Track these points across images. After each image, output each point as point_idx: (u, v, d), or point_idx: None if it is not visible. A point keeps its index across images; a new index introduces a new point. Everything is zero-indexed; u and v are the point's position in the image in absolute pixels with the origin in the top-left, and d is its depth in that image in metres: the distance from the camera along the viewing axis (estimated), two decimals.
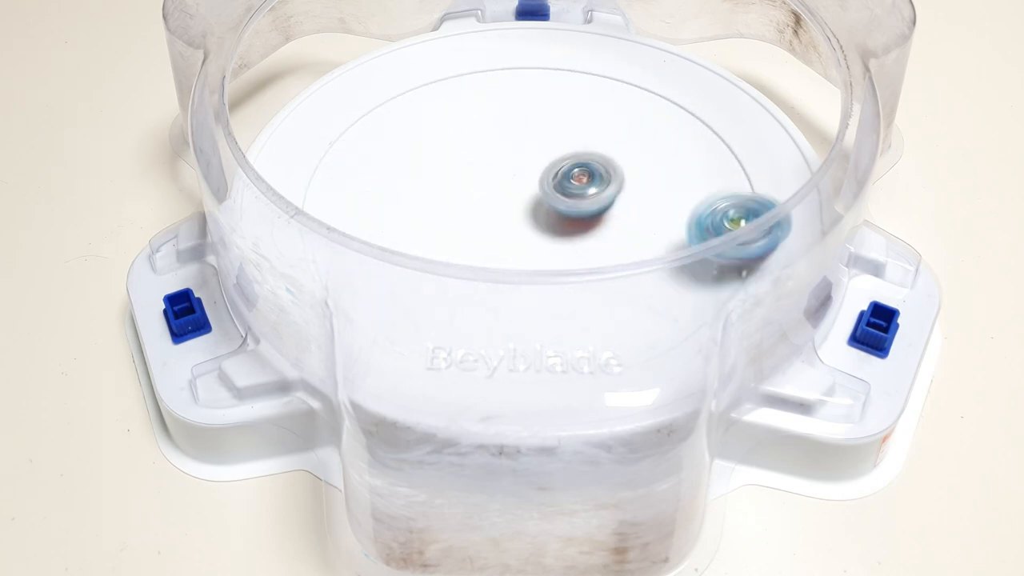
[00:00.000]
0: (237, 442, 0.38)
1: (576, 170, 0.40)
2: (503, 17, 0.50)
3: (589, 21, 0.49)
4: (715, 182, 0.42)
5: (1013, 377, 0.42)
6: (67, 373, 0.42)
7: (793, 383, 0.37)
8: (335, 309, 0.34)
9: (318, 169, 0.43)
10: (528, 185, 0.41)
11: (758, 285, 0.35)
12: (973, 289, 0.44)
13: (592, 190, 0.40)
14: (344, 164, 0.43)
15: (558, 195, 0.40)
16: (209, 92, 0.40)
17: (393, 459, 0.33)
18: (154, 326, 0.40)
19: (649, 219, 0.41)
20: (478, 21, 0.49)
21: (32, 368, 0.42)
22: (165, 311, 0.40)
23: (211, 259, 0.42)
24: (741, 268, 0.35)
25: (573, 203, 0.40)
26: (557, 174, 0.40)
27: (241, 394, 0.38)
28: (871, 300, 0.40)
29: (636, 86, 0.46)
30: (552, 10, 0.50)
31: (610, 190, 0.40)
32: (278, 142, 0.44)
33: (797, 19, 0.46)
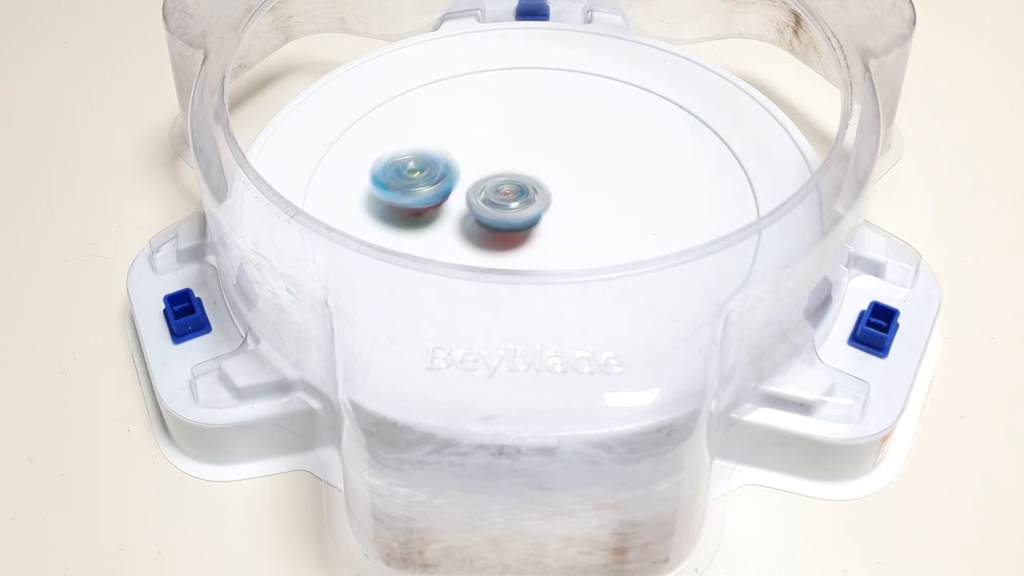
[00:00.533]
0: (237, 442, 0.38)
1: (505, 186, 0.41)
2: (503, 17, 0.50)
3: (589, 21, 0.49)
4: (715, 182, 0.42)
5: (1013, 377, 0.42)
6: (67, 373, 0.42)
7: (793, 383, 0.37)
8: (335, 309, 0.34)
9: (318, 169, 0.43)
10: None
11: (758, 285, 0.35)
12: (973, 289, 0.44)
13: (514, 204, 0.40)
14: (344, 164, 0.43)
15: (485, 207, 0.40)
16: (209, 92, 0.40)
17: (393, 459, 0.33)
18: (154, 326, 0.40)
19: (649, 219, 0.41)
20: (478, 21, 0.49)
21: (32, 368, 0.42)
22: (165, 311, 0.40)
23: (211, 259, 0.42)
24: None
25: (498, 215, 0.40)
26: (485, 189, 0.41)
27: (241, 394, 0.38)
28: (871, 300, 0.40)
29: (636, 86, 0.46)
30: (552, 10, 0.50)
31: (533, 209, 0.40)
32: (278, 142, 0.44)
33: (797, 19, 0.46)
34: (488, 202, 0.40)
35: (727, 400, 0.36)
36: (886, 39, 0.41)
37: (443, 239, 0.41)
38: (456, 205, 0.41)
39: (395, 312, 0.34)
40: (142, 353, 0.40)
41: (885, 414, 0.38)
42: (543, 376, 0.33)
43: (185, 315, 0.40)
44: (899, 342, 0.39)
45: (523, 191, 0.40)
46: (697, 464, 0.34)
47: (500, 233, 0.40)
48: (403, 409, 0.32)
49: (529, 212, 0.40)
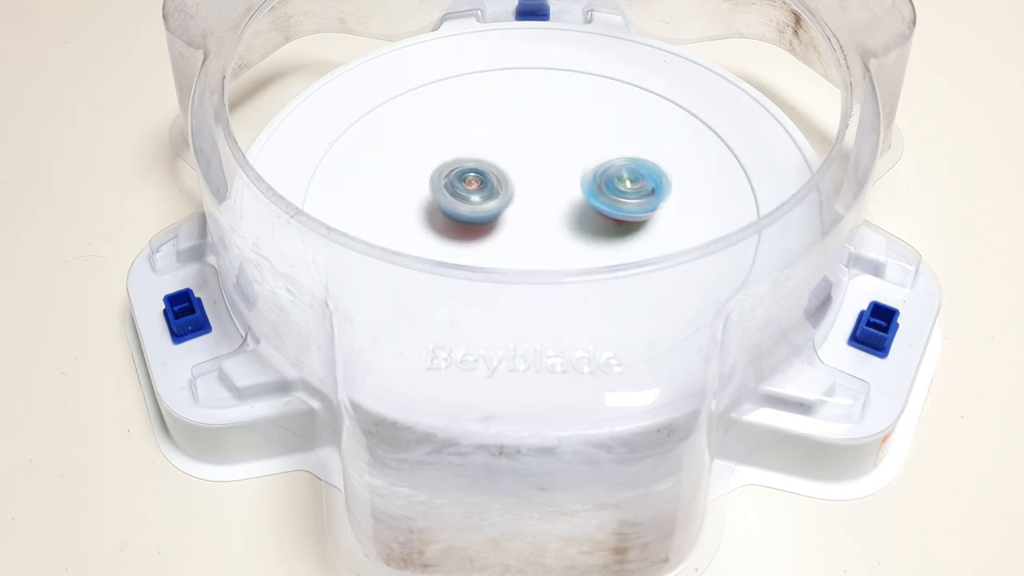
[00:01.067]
0: (237, 442, 0.38)
1: (470, 174, 0.40)
2: (503, 17, 0.50)
3: (589, 21, 0.49)
4: (715, 182, 0.42)
5: (1013, 377, 0.42)
6: (67, 373, 0.42)
7: (793, 383, 0.37)
8: (335, 309, 0.34)
9: (318, 169, 0.43)
10: (528, 185, 0.41)
11: (758, 285, 0.35)
12: (973, 289, 0.44)
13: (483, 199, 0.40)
14: (344, 164, 0.43)
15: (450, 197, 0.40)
16: (209, 92, 0.40)
17: (393, 459, 0.33)
18: (154, 326, 0.40)
19: (649, 219, 0.41)
20: (478, 21, 0.49)
21: (32, 368, 0.42)
22: (165, 311, 0.40)
23: (211, 259, 0.42)
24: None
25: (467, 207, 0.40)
26: (449, 175, 0.40)
27: (241, 394, 0.38)
28: (871, 300, 0.40)
29: (636, 86, 0.46)
30: (552, 10, 0.50)
31: (497, 201, 0.40)
32: (278, 142, 0.44)
33: (797, 19, 0.46)
34: (452, 191, 0.40)
35: (727, 400, 0.36)
36: (886, 39, 0.41)
37: (444, 239, 0.41)
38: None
39: (395, 312, 0.34)
40: (142, 353, 0.40)
41: (885, 414, 0.38)
42: (543, 376, 0.33)
43: (185, 315, 0.40)
44: (899, 342, 0.39)
45: (486, 182, 0.40)
46: (697, 464, 0.34)
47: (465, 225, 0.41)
48: (403, 409, 0.32)
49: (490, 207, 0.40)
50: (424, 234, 0.41)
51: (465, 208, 0.40)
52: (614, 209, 0.40)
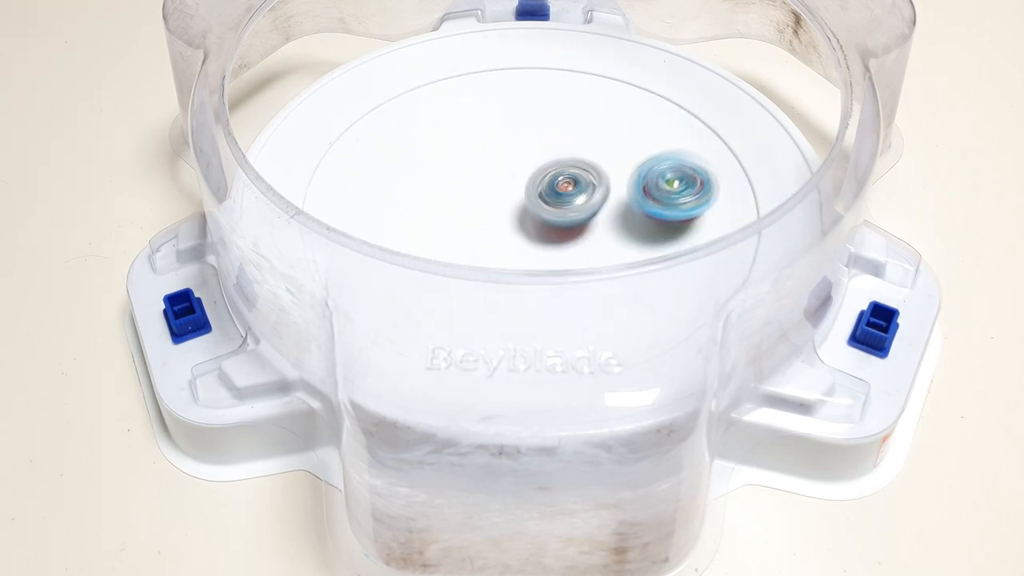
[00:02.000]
0: (237, 442, 0.38)
1: (561, 178, 0.40)
2: (503, 17, 0.50)
3: (589, 21, 0.49)
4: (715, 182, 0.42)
5: (1013, 377, 0.42)
6: (67, 373, 0.42)
7: (793, 383, 0.37)
8: (335, 309, 0.34)
9: (318, 169, 0.43)
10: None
11: (758, 285, 0.35)
12: (973, 289, 0.44)
13: (580, 199, 0.40)
14: (344, 164, 0.43)
15: (543, 205, 0.40)
16: (209, 92, 0.40)
17: (393, 459, 0.33)
18: (154, 326, 0.40)
19: (649, 219, 0.41)
20: (478, 21, 0.49)
21: (32, 368, 0.42)
22: (165, 311, 0.40)
23: (211, 259, 0.42)
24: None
25: (560, 212, 0.40)
26: (542, 182, 0.40)
27: (241, 394, 0.38)
28: (871, 300, 0.40)
29: (636, 86, 0.46)
30: (552, 10, 0.50)
31: (597, 196, 0.40)
32: (278, 142, 0.44)
33: (797, 19, 0.46)
34: (547, 198, 0.40)
35: (727, 400, 0.36)
36: (886, 39, 0.41)
37: (444, 239, 0.41)
38: (462, 206, 0.41)
39: (395, 312, 0.34)
40: (142, 353, 0.40)
41: (885, 414, 0.38)
42: (543, 376, 0.33)
43: (185, 315, 0.40)
44: (899, 342, 0.39)
45: (580, 182, 0.40)
46: (697, 464, 0.34)
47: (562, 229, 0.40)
48: (403, 409, 0.32)
49: (594, 201, 0.40)
50: (424, 234, 0.41)
51: (567, 213, 0.40)
52: (670, 211, 0.39)
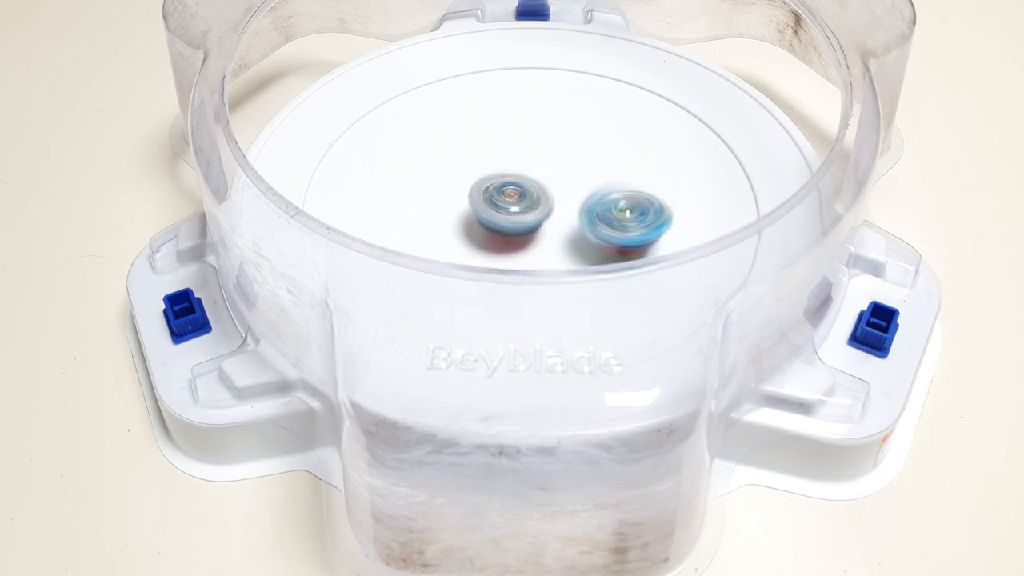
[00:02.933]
0: (237, 442, 0.38)
1: (508, 188, 0.40)
2: (503, 17, 0.50)
3: (589, 21, 0.49)
4: (715, 182, 0.42)
5: (1013, 377, 0.42)
6: (67, 373, 0.42)
7: (793, 383, 0.37)
8: (335, 309, 0.34)
9: (318, 169, 0.43)
10: None
11: (758, 285, 0.35)
12: (973, 289, 0.44)
13: (515, 209, 0.40)
14: (344, 164, 0.43)
15: (489, 209, 0.40)
16: (209, 92, 0.40)
17: (393, 459, 0.33)
18: (154, 326, 0.40)
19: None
20: (478, 21, 0.49)
21: (32, 368, 0.42)
22: (165, 311, 0.40)
23: (211, 259, 0.42)
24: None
25: (503, 218, 0.40)
26: (488, 189, 0.40)
27: (241, 394, 0.38)
28: (871, 300, 0.40)
29: (636, 86, 0.46)
30: (552, 10, 0.50)
31: (536, 214, 0.40)
32: (278, 142, 0.44)
33: (797, 19, 0.46)
34: (491, 204, 0.40)
35: (727, 400, 0.36)
36: (886, 39, 0.41)
37: (444, 239, 0.41)
38: (462, 206, 0.41)
39: (395, 312, 0.34)
40: (142, 353, 0.40)
41: (885, 414, 0.38)
42: (543, 376, 0.33)
43: (185, 315, 0.40)
44: (899, 342, 0.39)
45: (526, 195, 0.40)
46: (697, 464, 0.34)
47: (501, 236, 0.40)
48: (403, 409, 0.32)
49: (530, 218, 0.40)
50: (424, 234, 0.41)
51: (505, 220, 0.40)
52: (617, 238, 0.40)
